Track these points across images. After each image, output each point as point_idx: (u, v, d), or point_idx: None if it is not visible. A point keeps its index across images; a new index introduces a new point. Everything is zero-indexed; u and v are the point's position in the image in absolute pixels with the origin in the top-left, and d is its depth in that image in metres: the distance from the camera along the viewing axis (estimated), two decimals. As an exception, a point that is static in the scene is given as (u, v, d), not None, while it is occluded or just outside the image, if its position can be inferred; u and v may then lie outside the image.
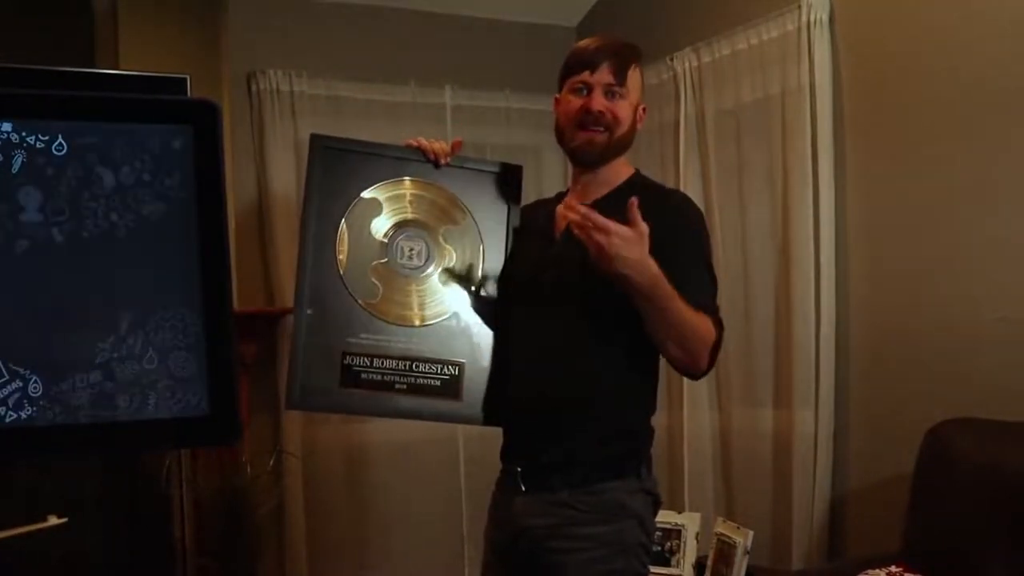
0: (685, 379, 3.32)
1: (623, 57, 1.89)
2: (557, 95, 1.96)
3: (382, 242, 1.95)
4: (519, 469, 1.89)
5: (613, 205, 1.74)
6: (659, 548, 3.09)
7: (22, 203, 1.86)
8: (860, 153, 2.99)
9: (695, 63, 3.54)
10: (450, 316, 1.96)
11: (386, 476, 3.82)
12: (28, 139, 1.87)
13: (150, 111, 2.00)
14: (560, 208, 1.97)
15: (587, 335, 1.85)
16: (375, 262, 1.95)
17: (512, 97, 4.06)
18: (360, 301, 1.93)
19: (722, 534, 3.02)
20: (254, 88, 3.67)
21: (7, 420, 1.84)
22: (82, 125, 1.90)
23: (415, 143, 1.98)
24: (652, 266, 1.66)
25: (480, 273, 1.97)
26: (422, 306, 1.95)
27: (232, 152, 3.39)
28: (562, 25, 4.24)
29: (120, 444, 2.08)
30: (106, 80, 3.10)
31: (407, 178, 1.98)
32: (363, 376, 1.91)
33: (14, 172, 1.85)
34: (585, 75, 1.88)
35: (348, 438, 3.79)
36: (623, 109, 1.89)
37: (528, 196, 2.08)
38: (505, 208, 2.00)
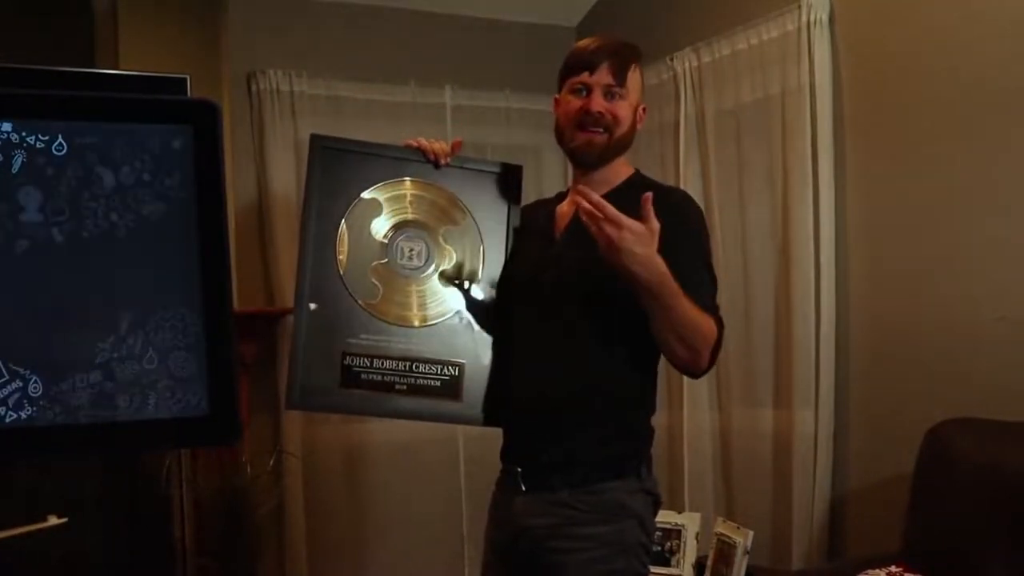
0: (685, 379, 3.36)
1: (623, 57, 1.89)
2: (557, 95, 1.96)
3: (382, 242, 1.95)
4: (519, 469, 1.89)
5: (613, 204, 1.73)
6: (659, 548, 3.09)
7: (22, 203, 1.85)
8: (860, 153, 2.99)
9: (695, 63, 3.54)
10: (450, 316, 1.95)
11: (386, 476, 3.82)
12: (28, 139, 1.86)
13: (150, 111, 1.99)
14: (571, 194, 1.95)
15: (587, 335, 1.85)
16: (375, 262, 1.94)
17: (512, 97, 4.06)
18: (360, 301, 1.92)
19: (722, 534, 3.02)
20: (254, 88, 3.67)
21: (7, 420, 1.84)
22: (82, 125, 1.90)
23: (415, 143, 1.98)
24: (660, 264, 1.66)
25: (480, 274, 1.97)
26: (422, 306, 1.95)
27: (232, 152, 3.39)
28: (562, 25, 4.24)
29: (120, 444, 2.07)
30: (106, 80, 3.10)
31: (407, 178, 1.98)
32: (363, 376, 1.91)
33: (14, 172, 1.85)
34: (584, 76, 1.88)
35: (348, 438, 3.79)
36: (623, 110, 1.89)
37: (528, 196, 2.08)
38: (505, 208, 2.00)
